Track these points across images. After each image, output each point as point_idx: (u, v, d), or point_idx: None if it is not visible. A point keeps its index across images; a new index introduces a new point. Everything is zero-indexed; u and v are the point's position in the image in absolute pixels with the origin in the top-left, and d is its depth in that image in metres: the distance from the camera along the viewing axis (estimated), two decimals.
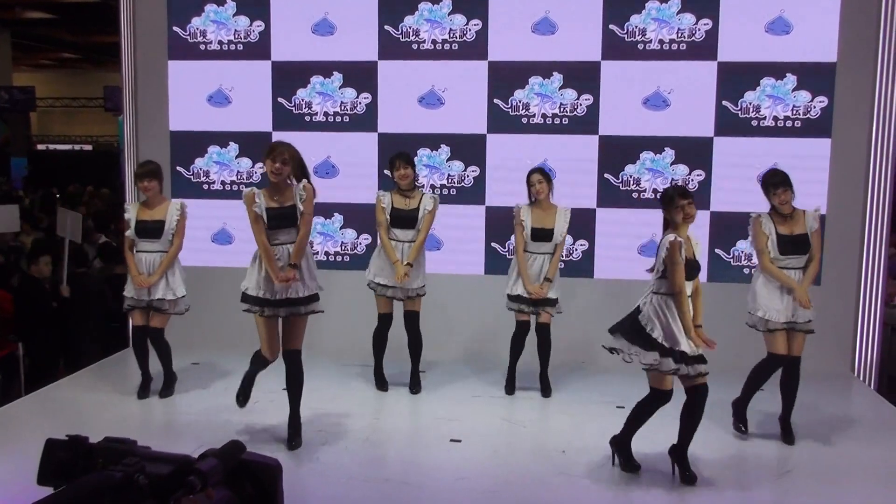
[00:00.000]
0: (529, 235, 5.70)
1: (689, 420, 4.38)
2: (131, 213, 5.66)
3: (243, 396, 5.03)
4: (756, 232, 5.01)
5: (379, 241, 5.85)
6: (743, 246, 6.64)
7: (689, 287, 4.36)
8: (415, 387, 5.97)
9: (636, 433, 4.50)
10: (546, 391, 5.91)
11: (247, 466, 1.39)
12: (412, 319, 5.87)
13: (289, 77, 7.07)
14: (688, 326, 4.25)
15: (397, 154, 5.81)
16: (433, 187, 6.93)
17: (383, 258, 5.74)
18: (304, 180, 4.77)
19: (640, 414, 4.45)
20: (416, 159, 6.84)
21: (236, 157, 7.20)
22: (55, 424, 5.15)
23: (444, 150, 6.96)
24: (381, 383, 5.98)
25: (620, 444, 4.54)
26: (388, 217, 5.71)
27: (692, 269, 4.35)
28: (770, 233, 4.96)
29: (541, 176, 5.70)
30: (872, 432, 5.32)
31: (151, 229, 5.57)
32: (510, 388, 5.95)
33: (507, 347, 5.97)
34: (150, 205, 5.63)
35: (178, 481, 1.24)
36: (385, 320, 5.87)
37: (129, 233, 5.61)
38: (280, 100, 7.09)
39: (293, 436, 4.82)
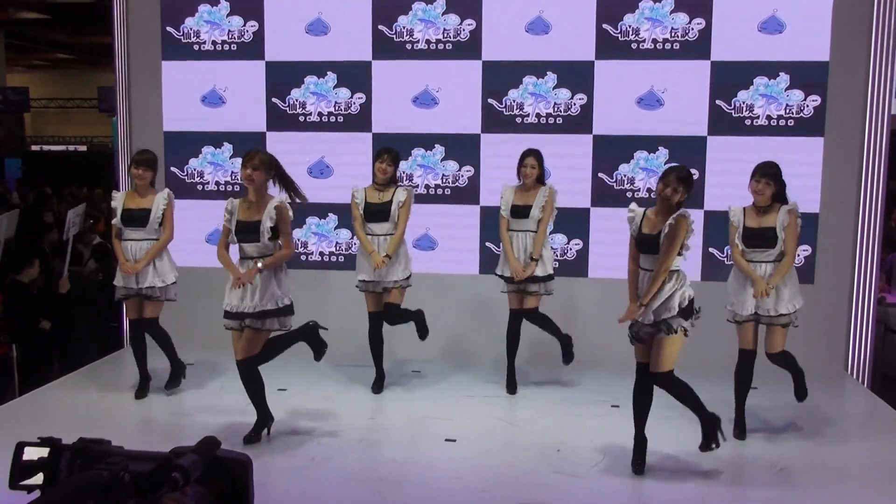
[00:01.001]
0: (509, 212, 5.74)
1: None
2: (118, 201, 5.65)
3: (255, 431, 4.97)
4: (729, 223, 5.07)
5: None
6: None
7: (648, 259, 4.44)
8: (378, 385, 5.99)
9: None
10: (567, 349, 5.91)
11: (218, 462, 1.42)
12: (391, 309, 5.81)
13: (283, 77, 7.06)
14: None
15: (386, 149, 5.82)
16: (427, 187, 6.94)
17: (362, 256, 5.75)
18: (279, 199, 4.73)
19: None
20: (410, 159, 6.88)
21: (230, 157, 7.20)
22: (48, 426, 5.13)
23: (439, 150, 6.96)
24: (378, 386, 5.97)
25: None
26: (362, 212, 5.71)
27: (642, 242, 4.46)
28: (738, 224, 5.00)
29: (535, 161, 5.73)
30: (866, 430, 5.35)
31: (137, 217, 5.56)
32: (511, 388, 5.94)
33: (502, 347, 5.97)
34: (139, 194, 5.63)
35: (161, 478, 1.26)
36: (375, 319, 5.85)
37: (116, 221, 5.62)
38: (274, 100, 7.09)
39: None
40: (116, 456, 1.32)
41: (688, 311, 4.33)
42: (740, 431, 5.09)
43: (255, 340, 4.72)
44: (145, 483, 1.27)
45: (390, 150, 5.81)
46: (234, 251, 4.92)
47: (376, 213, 5.70)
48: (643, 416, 4.51)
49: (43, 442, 1.37)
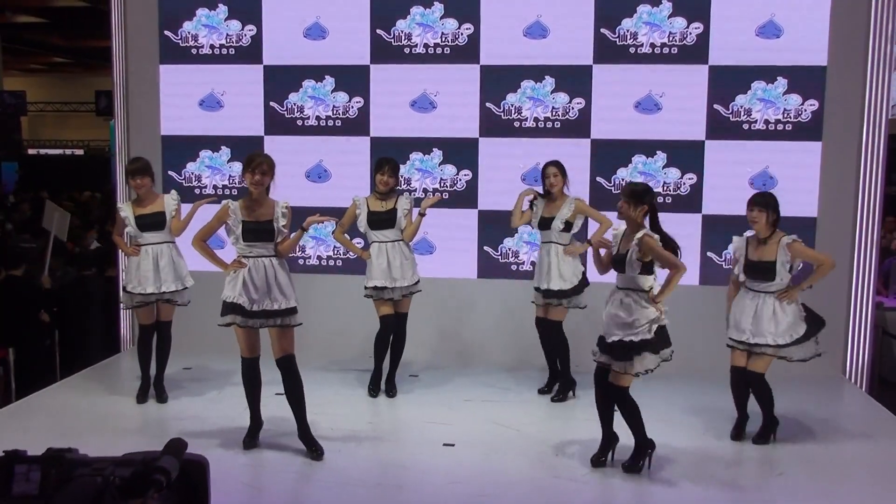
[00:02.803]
0: (538, 224, 5.80)
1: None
2: (127, 211, 5.65)
3: (251, 436, 4.94)
4: (732, 253, 5.13)
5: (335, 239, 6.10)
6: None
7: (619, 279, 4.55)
8: (391, 390, 5.97)
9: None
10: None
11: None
12: (400, 321, 5.88)
13: (281, 81, 7.06)
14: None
15: (387, 159, 5.83)
16: (425, 191, 6.94)
17: (372, 264, 5.75)
18: (286, 201, 4.78)
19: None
20: (408, 163, 6.89)
21: (228, 161, 7.20)
22: (44, 431, 5.12)
23: (437, 154, 6.96)
24: (375, 389, 5.96)
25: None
26: (367, 220, 5.75)
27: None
28: (740, 256, 5.05)
29: (556, 170, 5.74)
30: (864, 434, 5.34)
31: (153, 222, 5.60)
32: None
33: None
34: (143, 202, 5.63)
35: (144, 480, 1.29)
36: (387, 322, 5.83)
37: (131, 230, 5.62)
38: (272, 104, 7.08)
39: (311, 445, 4.75)
40: (103, 461, 1.35)
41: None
42: (737, 433, 5.13)
43: (290, 335, 4.72)
44: (133, 486, 1.30)
45: (390, 160, 5.82)
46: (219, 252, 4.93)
47: (382, 220, 5.74)
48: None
49: (7, 455, 1.39)
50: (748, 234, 5.09)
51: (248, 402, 4.89)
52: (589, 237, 5.71)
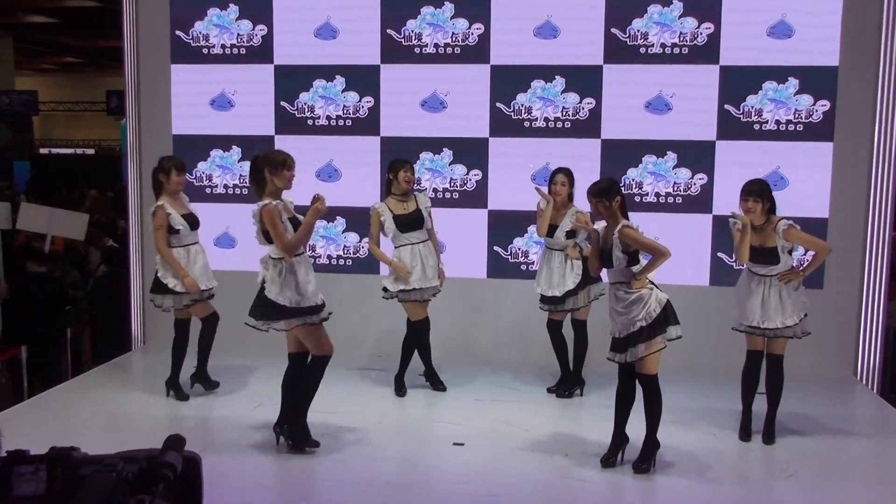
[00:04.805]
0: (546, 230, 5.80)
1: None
2: (171, 209, 5.63)
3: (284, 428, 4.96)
4: (733, 233, 5.02)
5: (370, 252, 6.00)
6: None
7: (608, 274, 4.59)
8: (439, 383, 6.05)
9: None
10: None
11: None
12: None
13: (291, 81, 7.08)
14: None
15: (403, 159, 5.85)
16: (435, 190, 6.94)
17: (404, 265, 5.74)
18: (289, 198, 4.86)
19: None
20: (418, 163, 6.90)
21: (239, 160, 7.22)
22: (54, 428, 5.15)
23: (447, 154, 6.97)
24: (401, 388, 5.99)
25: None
26: (394, 224, 5.70)
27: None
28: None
29: (565, 178, 5.73)
30: (875, 435, 5.33)
31: (193, 222, 5.72)
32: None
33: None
34: (178, 200, 5.72)
35: (152, 476, 1.32)
36: (424, 324, 5.85)
37: (182, 229, 5.62)
38: (283, 103, 7.10)
39: (285, 437, 4.83)
40: (110, 458, 1.37)
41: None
42: (745, 434, 5.09)
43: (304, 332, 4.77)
44: (143, 481, 1.32)
45: (407, 160, 5.86)
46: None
47: (411, 221, 5.73)
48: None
49: (9, 455, 1.41)
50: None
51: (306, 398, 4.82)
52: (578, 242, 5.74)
